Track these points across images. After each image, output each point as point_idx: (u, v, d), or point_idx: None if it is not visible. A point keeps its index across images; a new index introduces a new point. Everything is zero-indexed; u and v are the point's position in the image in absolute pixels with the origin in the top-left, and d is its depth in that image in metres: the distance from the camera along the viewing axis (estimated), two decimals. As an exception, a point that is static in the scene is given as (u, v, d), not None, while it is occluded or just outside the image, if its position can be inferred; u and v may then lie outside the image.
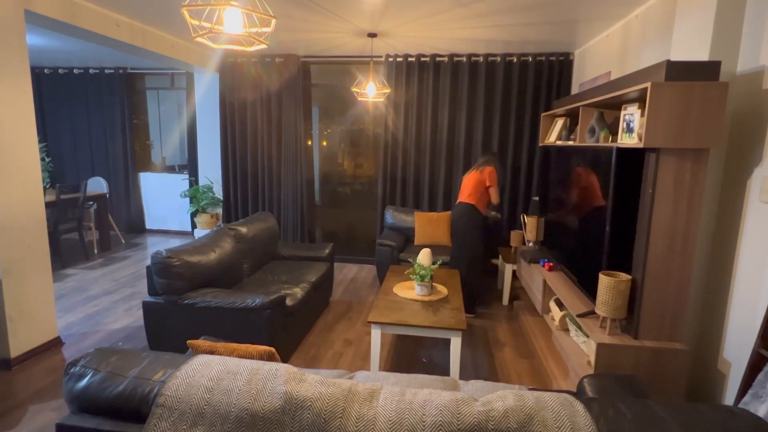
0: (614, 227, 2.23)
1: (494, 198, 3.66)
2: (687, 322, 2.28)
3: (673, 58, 2.41)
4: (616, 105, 2.45)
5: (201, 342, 1.49)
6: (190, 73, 5.87)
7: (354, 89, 4.22)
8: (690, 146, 1.92)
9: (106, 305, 3.82)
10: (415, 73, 4.79)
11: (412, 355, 3.11)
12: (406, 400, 1.07)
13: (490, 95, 4.71)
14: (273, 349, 1.48)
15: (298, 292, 3.11)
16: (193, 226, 6.17)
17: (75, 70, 6.10)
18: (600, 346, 2.08)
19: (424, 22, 3.59)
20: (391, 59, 4.83)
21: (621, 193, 2.20)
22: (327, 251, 3.95)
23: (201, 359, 1.19)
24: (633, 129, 2.08)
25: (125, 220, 6.39)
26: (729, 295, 2.18)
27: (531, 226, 3.94)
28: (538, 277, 3.19)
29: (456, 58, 4.71)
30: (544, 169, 4.70)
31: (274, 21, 1.87)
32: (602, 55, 3.78)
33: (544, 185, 4.58)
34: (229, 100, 5.27)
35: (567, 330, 2.83)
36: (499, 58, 4.63)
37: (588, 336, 2.32)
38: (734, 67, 2.15)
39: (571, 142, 3.03)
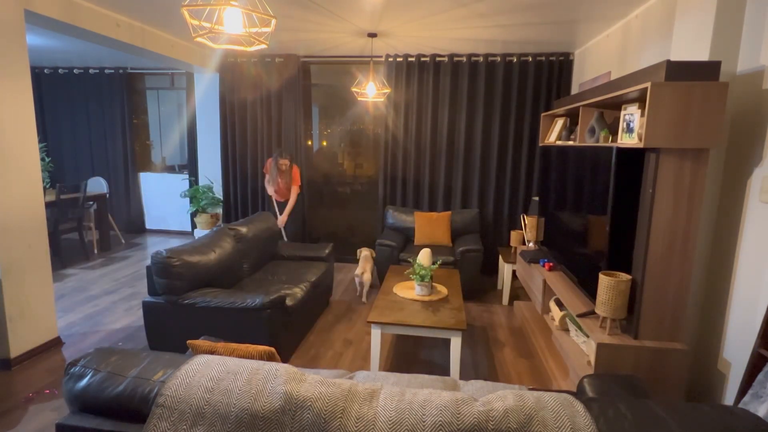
0: (614, 227, 2.23)
1: None
2: (687, 322, 2.28)
3: (673, 58, 2.41)
4: (616, 105, 2.45)
5: (201, 342, 1.49)
6: (190, 73, 5.86)
7: (354, 89, 4.21)
8: (690, 146, 1.92)
9: (106, 305, 3.82)
10: (415, 73, 4.79)
11: (412, 355, 3.11)
12: (406, 400, 1.07)
13: (490, 95, 4.71)
14: (273, 349, 1.48)
15: (298, 292, 3.11)
16: (193, 226, 6.17)
17: (75, 70, 6.10)
18: (600, 346, 2.08)
19: (424, 22, 3.58)
20: (391, 59, 4.83)
21: (621, 193, 2.20)
22: (327, 251, 3.94)
23: (201, 359, 1.19)
24: (633, 129, 2.08)
25: (125, 220, 6.39)
26: (729, 295, 2.18)
27: (531, 226, 3.94)
28: (538, 277, 3.19)
29: (456, 58, 4.71)
30: (544, 169, 4.70)
31: (274, 21, 1.87)
32: (602, 55, 3.78)
33: (544, 185, 4.58)
34: (229, 100, 5.26)
35: (567, 330, 2.82)
36: (499, 58, 4.63)
37: (588, 336, 2.32)
38: (734, 67, 2.15)
39: (571, 142, 3.03)
